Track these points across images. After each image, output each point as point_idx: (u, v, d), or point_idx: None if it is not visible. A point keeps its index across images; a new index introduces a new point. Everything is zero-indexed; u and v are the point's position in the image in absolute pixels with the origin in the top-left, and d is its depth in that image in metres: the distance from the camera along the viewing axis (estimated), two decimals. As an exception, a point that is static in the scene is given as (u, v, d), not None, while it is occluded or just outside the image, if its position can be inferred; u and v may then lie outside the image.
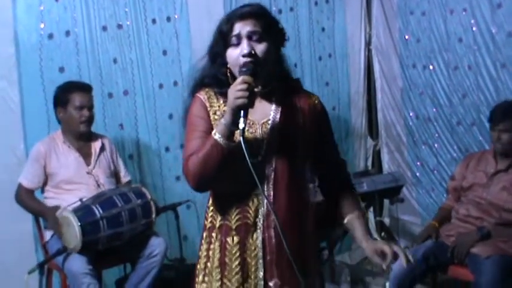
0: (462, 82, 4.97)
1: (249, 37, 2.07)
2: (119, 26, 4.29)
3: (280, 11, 4.97)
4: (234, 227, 2.13)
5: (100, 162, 3.96)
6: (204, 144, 2.02)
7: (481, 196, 3.81)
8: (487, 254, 3.56)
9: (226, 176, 2.05)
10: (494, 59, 4.70)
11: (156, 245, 3.81)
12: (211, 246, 2.19)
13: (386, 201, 5.18)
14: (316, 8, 5.27)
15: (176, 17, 4.52)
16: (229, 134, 1.97)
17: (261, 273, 2.13)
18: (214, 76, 2.15)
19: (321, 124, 2.25)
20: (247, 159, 1.90)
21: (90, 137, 3.99)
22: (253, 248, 2.13)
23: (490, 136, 3.91)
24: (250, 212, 2.11)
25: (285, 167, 2.11)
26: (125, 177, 4.14)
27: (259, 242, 2.12)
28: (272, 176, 2.10)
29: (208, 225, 2.22)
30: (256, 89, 2.02)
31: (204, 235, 2.24)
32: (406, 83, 5.43)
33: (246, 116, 1.93)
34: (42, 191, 3.87)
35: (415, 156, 5.43)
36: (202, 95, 2.16)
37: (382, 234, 5.11)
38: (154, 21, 4.43)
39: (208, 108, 2.14)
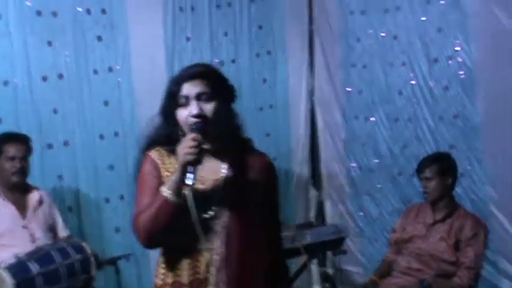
0: (402, 133, 5.08)
1: (198, 97, 2.10)
2: (60, 76, 4.25)
3: (222, 63, 5.01)
4: (186, 282, 2.13)
5: (37, 216, 3.85)
6: (154, 201, 2.04)
7: (421, 248, 3.85)
8: (428, 306, 3.59)
9: (177, 231, 2.06)
10: (432, 112, 4.83)
11: (96, 301, 3.72)
12: None
13: (330, 252, 5.19)
14: (258, 59, 5.33)
15: (118, 67, 4.50)
16: (178, 190, 2.00)
17: None
18: (167, 135, 2.18)
19: (269, 184, 2.28)
20: (194, 215, 1.96)
21: (27, 189, 3.89)
22: None
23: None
24: (202, 267, 2.11)
25: (237, 223, 2.12)
26: (62, 231, 4.02)
27: None
28: (224, 232, 2.11)
29: (160, 283, 2.20)
30: (205, 146, 2.05)
31: None
32: (348, 134, 5.50)
33: (194, 172, 1.97)
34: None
35: (357, 206, 5.47)
36: (153, 153, 2.19)
37: (326, 285, 5.11)
38: (95, 71, 4.40)
39: (160, 166, 2.16)
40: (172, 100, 2.14)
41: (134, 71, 4.57)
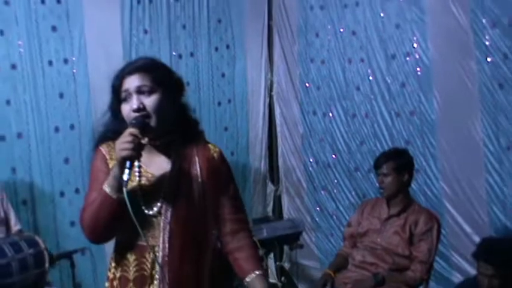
0: (360, 129, 5.12)
1: (139, 91, 2.08)
2: (13, 67, 4.15)
3: (180, 56, 4.99)
4: (131, 278, 2.14)
5: (-12, 209, 3.78)
6: (97, 196, 2.04)
7: (375, 242, 3.89)
8: (382, 300, 3.62)
9: (124, 227, 2.06)
10: (390, 108, 4.88)
11: (50, 296, 3.66)
12: None
13: (286, 246, 5.21)
14: (217, 53, 5.31)
15: (74, 59, 4.42)
16: (118, 186, 1.98)
17: None
18: (116, 131, 2.14)
19: (219, 177, 2.25)
20: (130, 211, 1.93)
21: (-21, 182, 3.81)
22: None
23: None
24: (147, 263, 2.12)
25: (181, 219, 2.11)
26: (15, 225, 3.94)
27: None
28: (168, 228, 2.10)
29: (111, 276, 2.22)
30: (143, 141, 2.03)
31: (107, 285, 2.23)
32: (306, 129, 5.53)
33: (131, 168, 1.97)
34: None
35: (314, 201, 5.50)
36: (104, 148, 2.19)
37: (282, 279, 5.12)
38: (50, 62, 4.31)
39: (109, 161, 2.16)
40: (116, 95, 2.13)
41: (90, 63, 4.49)
